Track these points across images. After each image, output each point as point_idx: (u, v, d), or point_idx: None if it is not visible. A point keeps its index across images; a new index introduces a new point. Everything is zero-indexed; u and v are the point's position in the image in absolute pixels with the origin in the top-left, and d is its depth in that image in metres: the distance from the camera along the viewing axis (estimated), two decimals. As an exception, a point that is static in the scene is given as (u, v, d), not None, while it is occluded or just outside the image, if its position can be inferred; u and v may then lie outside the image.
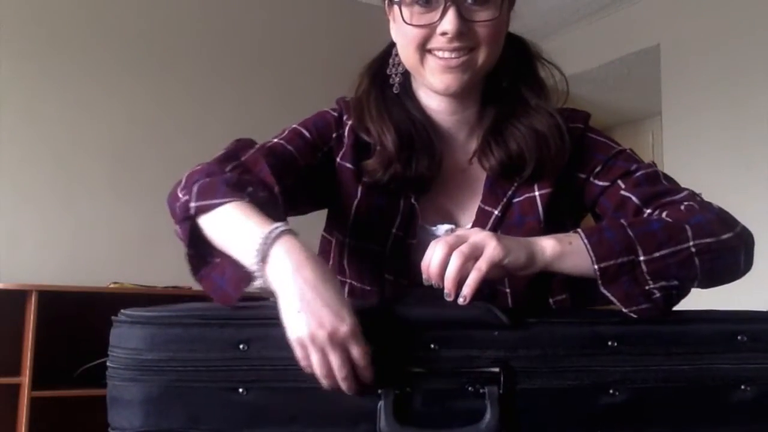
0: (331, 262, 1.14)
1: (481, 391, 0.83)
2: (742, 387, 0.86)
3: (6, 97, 3.23)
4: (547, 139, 1.07)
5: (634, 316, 0.88)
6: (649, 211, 1.02)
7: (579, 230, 0.92)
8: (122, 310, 0.90)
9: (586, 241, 0.90)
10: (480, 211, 1.09)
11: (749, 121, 3.35)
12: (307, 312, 0.80)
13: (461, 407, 0.83)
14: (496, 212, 1.08)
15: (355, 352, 0.81)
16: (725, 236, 0.94)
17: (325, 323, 0.79)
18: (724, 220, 0.98)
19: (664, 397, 0.85)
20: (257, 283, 0.86)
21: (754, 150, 3.27)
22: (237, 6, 3.81)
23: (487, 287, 1.05)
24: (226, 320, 0.86)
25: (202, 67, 3.67)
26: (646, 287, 0.88)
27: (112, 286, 3.07)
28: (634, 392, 0.85)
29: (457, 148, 1.14)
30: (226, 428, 0.84)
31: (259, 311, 0.86)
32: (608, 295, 0.89)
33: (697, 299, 0.92)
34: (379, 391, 0.83)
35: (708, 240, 0.92)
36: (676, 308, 0.91)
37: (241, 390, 0.84)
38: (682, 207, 1.00)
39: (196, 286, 0.98)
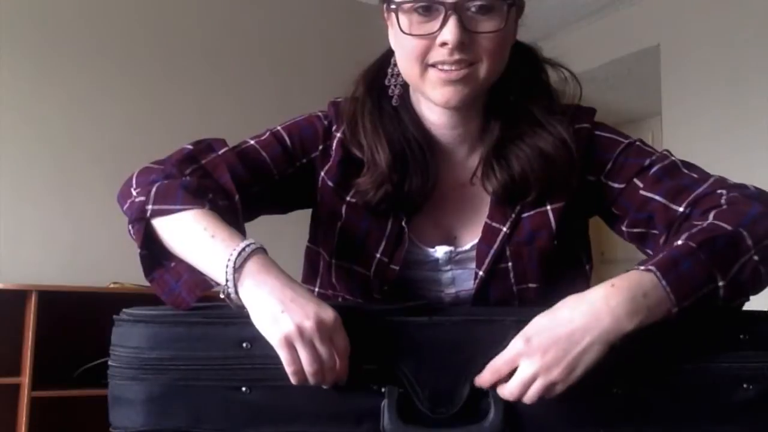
0: (321, 272, 1.12)
1: (485, 389, 0.83)
2: (744, 386, 0.86)
3: (6, 97, 3.23)
4: (553, 160, 1.00)
5: None
6: (681, 209, 0.96)
7: (653, 268, 0.83)
8: (124, 309, 0.90)
9: (664, 282, 0.82)
10: (487, 227, 1.03)
11: (749, 121, 3.35)
12: (291, 309, 0.81)
13: (465, 406, 0.83)
14: (504, 229, 1.02)
15: (340, 342, 0.82)
16: None
17: (310, 315, 0.81)
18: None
19: (667, 395, 0.85)
20: (222, 294, 0.87)
21: (754, 150, 3.27)
22: (236, 6, 3.81)
23: (496, 293, 1.04)
24: (229, 319, 0.86)
25: (202, 68, 3.66)
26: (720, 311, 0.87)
27: (112, 286, 3.07)
28: (637, 391, 0.85)
29: (457, 163, 1.08)
30: (229, 427, 0.84)
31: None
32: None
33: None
34: (383, 390, 0.83)
35: (766, 242, 0.88)
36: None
37: (244, 389, 0.84)
38: (724, 202, 0.93)
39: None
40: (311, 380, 0.82)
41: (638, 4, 3.96)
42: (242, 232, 0.94)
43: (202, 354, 0.85)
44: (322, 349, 0.81)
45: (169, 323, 0.87)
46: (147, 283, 0.96)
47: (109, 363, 0.89)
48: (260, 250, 0.88)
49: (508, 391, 0.82)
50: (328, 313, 0.82)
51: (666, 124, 3.82)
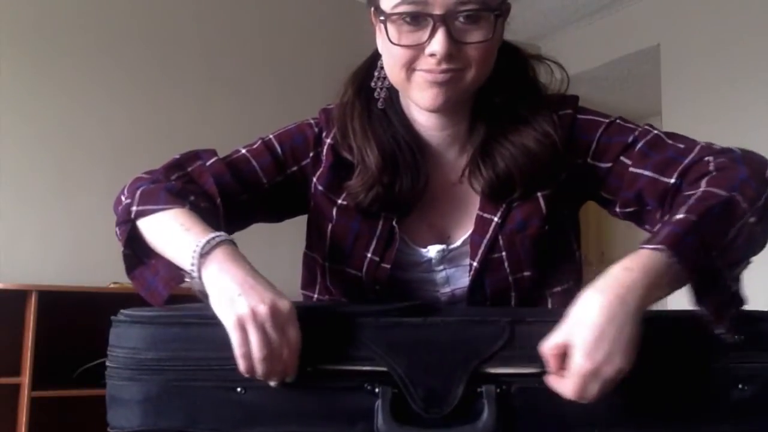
0: (318, 278, 1.12)
1: (479, 390, 0.83)
2: (740, 386, 0.86)
3: (6, 97, 3.23)
4: (537, 154, 1.01)
5: (728, 338, 0.83)
6: (672, 181, 0.96)
7: (661, 247, 0.82)
8: (122, 310, 0.91)
9: (675, 259, 0.82)
10: (479, 218, 1.04)
11: (749, 121, 3.35)
12: (248, 294, 0.82)
13: (459, 406, 0.83)
14: (495, 219, 1.03)
15: (292, 334, 0.81)
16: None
17: (266, 300, 0.81)
18: (756, 170, 0.93)
19: (662, 395, 0.85)
20: (191, 283, 0.88)
21: (755, 150, 3.27)
22: (236, 7, 3.82)
23: (492, 289, 1.05)
24: (224, 320, 0.86)
25: (202, 68, 3.67)
26: (728, 281, 0.85)
27: (112, 286, 3.07)
28: (631, 390, 0.85)
29: (446, 164, 1.09)
30: (224, 427, 0.85)
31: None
32: (703, 310, 0.83)
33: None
34: (377, 390, 0.83)
35: (759, 203, 0.88)
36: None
37: (239, 389, 0.85)
38: (713, 168, 0.94)
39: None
40: (258, 368, 0.80)
41: (638, 4, 3.96)
42: None
43: (198, 354, 0.85)
44: (273, 336, 0.80)
45: (166, 324, 0.88)
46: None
47: (107, 363, 0.90)
48: (229, 242, 0.89)
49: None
50: (284, 303, 0.82)
51: (666, 124, 3.82)
